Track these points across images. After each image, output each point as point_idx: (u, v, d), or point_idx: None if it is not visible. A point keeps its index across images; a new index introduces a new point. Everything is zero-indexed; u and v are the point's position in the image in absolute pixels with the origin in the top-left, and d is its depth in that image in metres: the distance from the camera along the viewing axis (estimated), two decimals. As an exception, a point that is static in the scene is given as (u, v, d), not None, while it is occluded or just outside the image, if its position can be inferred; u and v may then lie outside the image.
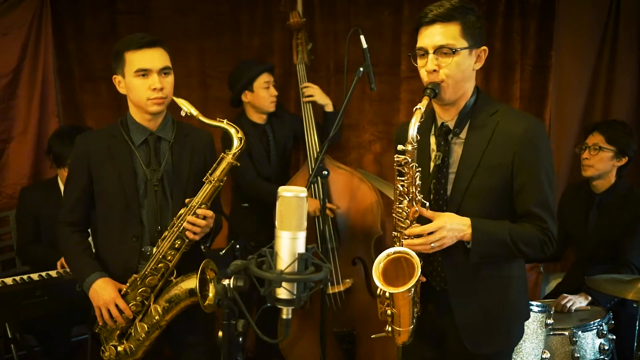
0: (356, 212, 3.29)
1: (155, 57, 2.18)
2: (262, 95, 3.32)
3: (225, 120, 2.18)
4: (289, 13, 3.43)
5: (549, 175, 1.87)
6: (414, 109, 1.78)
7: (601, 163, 2.92)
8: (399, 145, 1.81)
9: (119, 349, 2.21)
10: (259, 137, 3.39)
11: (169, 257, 2.16)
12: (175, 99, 2.19)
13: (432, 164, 1.93)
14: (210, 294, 2.12)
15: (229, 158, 2.15)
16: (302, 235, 1.32)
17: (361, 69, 2.72)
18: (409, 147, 1.79)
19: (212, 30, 3.69)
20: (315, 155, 3.13)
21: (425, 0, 3.63)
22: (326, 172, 2.67)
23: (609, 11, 3.40)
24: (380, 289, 1.87)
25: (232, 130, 2.18)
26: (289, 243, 1.31)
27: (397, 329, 1.92)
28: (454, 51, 1.79)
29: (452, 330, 1.94)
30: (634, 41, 3.42)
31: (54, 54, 3.61)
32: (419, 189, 1.83)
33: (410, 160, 1.80)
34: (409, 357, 2.14)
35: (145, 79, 2.17)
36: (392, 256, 1.81)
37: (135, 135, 2.23)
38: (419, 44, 1.85)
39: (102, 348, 2.25)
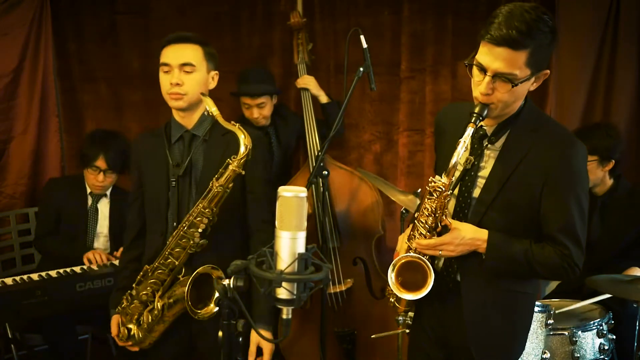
0: (357, 212, 3.29)
1: (177, 53, 2.18)
2: (245, 112, 3.33)
3: (237, 125, 2.11)
4: (289, 13, 3.43)
5: (581, 203, 1.78)
6: (457, 142, 1.72)
7: (589, 175, 2.92)
8: (437, 177, 1.77)
9: (132, 331, 2.24)
10: (262, 138, 3.40)
11: (176, 255, 2.15)
12: (202, 97, 2.16)
13: (461, 167, 1.88)
14: (212, 305, 2.08)
15: (233, 165, 2.09)
16: (302, 235, 1.32)
17: (361, 69, 2.72)
18: (445, 179, 1.75)
19: (212, 30, 3.69)
20: (316, 155, 3.13)
21: (425, 1, 3.66)
22: (326, 172, 2.67)
23: (609, 11, 3.40)
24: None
25: (241, 136, 2.09)
26: (289, 243, 1.31)
27: (399, 306, 2.03)
28: (514, 84, 1.67)
29: (457, 332, 1.93)
30: (634, 41, 3.42)
31: (54, 54, 3.61)
32: (446, 210, 1.81)
33: (444, 189, 1.76)
34: (414, 356, 2.14)
35: (167, 74, 2.19)
36: (408, 259, 1.86)
37: (173, 133, 2.27)
38: (480, 58, 1.71)
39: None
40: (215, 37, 3.71)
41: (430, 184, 1.79)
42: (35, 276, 2.81)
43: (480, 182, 1.85)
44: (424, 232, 1.86)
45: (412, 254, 1.87)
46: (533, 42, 1.64)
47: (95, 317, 3.14)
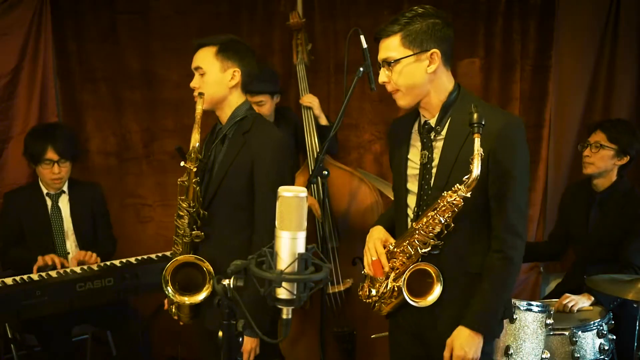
0: (356, 212, 3.29)
1: (193, 60, 2.30)
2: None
3: (196, 125, 2.19)
4: (289, 13, 3.43)
5: (522, 173, 1.93)
6: (472, 157, 1.81)
7: (601, 161, 2.93)
8: (456, 192, 1.84)
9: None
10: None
11: (178, 241, 2.29)
12: (198, 97, 2.25)
13: (414, 163, 2.03)
14: (199, 295, 2.21)
15: (187, 163, 2.19)
16: (302, 235, 1.32)
17: (361, 69, 2.72)
18: (465, 191, 1.83)
19: (212, 30, 3.67)
20: (315, 155, 3.13)
21: (425, 1, 3.66)
22: (326, 172, 2.67)
23: (609, 11, 3.41)
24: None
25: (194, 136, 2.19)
26: (289, 243, 1.31)
27: (385, 308, 2.13)
28: (390, 63, 1.91)
29: (433, 328, 2.01)
30: (634, 41, 3.43)
31: (54, 54, 3.61)
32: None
33: (462, 201, 1.86)
34: (397, 355, 2.20)
35: None
36: (414, 269, 1.95)
37: (218, 129, 2.37)
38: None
39: None
40: (215, 37, 3.71)
41: (449, 199, 1.85)
42: (35, 276, 2.80)
43: (434, 172, 1.97)
44: (426, 240, 1.92)
45: (417, 264, 1.95)
46: (402, 28, 1.89)
47: (95, 317, 3.14)
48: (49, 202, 3.16)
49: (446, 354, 1.94)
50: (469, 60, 3.57)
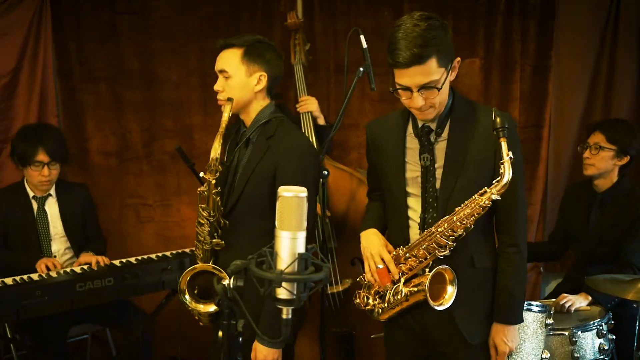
0: (356, 212, 3.28)
1: (218, 60, 2.23)
2: None
3: (220, 133, 2.13)
4: (287, 13, 3.43)
5: (522, 167, 1.98)
6: (502, 162, 1.81)
7: (602, 162, 2.93)
8: (489, 197, 1.84)
9: None
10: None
11: (199, 247, 2.28)
12: (227, 101, 2.17)
13: (413, 165, 2.02)
14: (213, 304, 2.18)
15: (205, 174, 2.15)
16: (302, 235, 1.32)
17: (361, 69, 2.72)
18: (496, 195, 1.84)
19: (212, 30, 3.69)
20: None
21: (425, 1, 3.66)
22: (326, 172, 2.67)
23: (609, 11, 3.40)
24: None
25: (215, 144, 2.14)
26: (289, 243, 1.31)
27: (389, 313, 2.10)
28: (439, 87, 1.83)
29: (443, 325, 2.01)
30: (634, 41, 3.43)
31: (54, 54, 3.61)
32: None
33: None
34: (396, 356, 2.20)
35: None
36: (435, 272, 1.94)
37: (242, 132, 2.31)
38: (400, 81, 1.85)
39: None
40: (215, 37, 3.68)
41: (480, 202, 1.85)
42: (35, 276, 2.80)
43: (439, 172, 1.97)
44: (445, 243, 1.92)
45: (437, 267, 1.93)
46: (434, 48, 1.78)
47: (95, 317, 3.14)
48: (34, 205, 3.10)
49: (492, 352, 2.03)
50: (469, 60, 3.56)
